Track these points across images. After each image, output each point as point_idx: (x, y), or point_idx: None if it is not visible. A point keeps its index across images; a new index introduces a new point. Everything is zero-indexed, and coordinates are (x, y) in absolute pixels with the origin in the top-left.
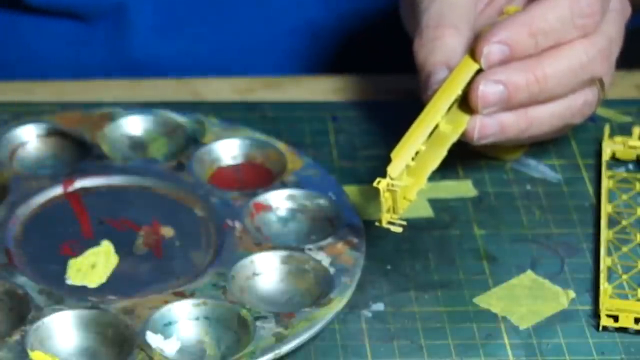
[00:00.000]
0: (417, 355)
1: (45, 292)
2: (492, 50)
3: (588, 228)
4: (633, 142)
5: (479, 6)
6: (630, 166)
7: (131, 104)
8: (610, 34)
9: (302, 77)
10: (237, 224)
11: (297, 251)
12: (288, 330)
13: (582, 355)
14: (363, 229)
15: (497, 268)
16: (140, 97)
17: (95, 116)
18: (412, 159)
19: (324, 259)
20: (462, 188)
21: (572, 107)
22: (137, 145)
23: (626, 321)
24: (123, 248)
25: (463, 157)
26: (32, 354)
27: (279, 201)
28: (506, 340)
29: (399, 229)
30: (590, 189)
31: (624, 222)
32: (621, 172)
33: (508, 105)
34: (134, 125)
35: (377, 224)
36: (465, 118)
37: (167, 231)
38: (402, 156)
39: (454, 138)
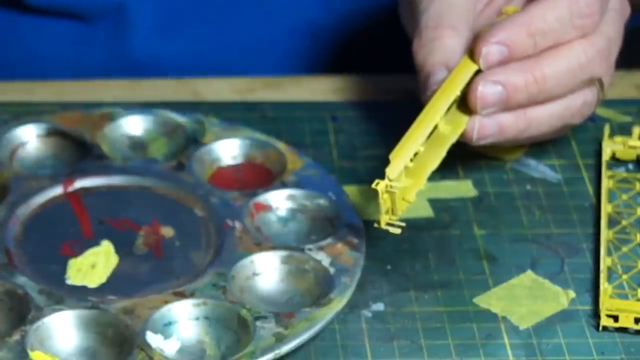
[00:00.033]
0: (417, 355)
1: (45, 292)
2: (490, 50)
3: (588, 228)
4: (633, 142)
5: (478, 7)
6: (630, 166)
7: (131, 104)
8: (610, 34)
9: (302, 77)
10: (237, 224)
11: (297, 251)
12: (288, 330)
13: (582, 355)
14: (363, 229)
15: (497, 268)
16: (140, 97)
17: (95, 116)
18: (411, 160)
19: (324, 259)
20: (462, 188)
21: (572, 107)
22: (137, 145)
23: (626, 321)
24: (123, 248)
25: (463, 157)
26: (32, 354)
27: (279, 201)
28: (506, 340)
29: (398, 230)
30: (590, 189)
31: (624, 222)
32: (621, 172)
33: (507, 105)
34: (134, 125)
35: (375, 225)
36: (465, 119)
37: (167, 231)
38: (400, 157)
39: (453, 139)
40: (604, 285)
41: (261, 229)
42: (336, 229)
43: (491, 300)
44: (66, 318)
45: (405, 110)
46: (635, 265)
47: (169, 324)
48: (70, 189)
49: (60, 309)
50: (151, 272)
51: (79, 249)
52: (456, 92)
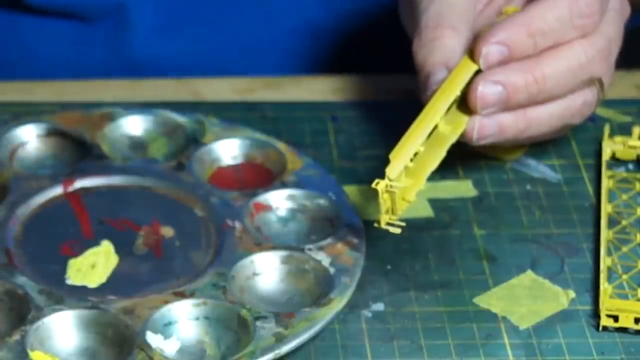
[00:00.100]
0: (417, 355)
1: (45, 292)
2: (490, 50)
3: (588, 228)
4: (633, 142)
5: (478, 7)
6: (630, 166)
7: (131, 104)
8: (610, 34)
9: (302, 77)
10: (237, 224)
11: (297, 251)
12: (288, 330)
13: (582, 355)
14: (363, 229)
15: (497, 268)
16: (140, 97)
17: (95, 116)
18: (411, 160)
19: (324, 259)
20: (462, 188)
21: (571, 107)
22: (137, 145)
23: (626, 321)
24: (123, 248)
25: (463, 157)
26: (32, 354)
27: (279, 201)
28: (506, 340)
29: (398, 230)
30: (590, 189)
31: (624, 222)
32: (621, 172)
33: (507, 105)
34: (134, 125)
35: (375, 225)
36: (464, 119)
37: (167, 231)
38: (400, 157)
39: (453, 139)
40: (604, 285)
41: (261, 229)
42: (336, 229)
43: (491, 300)
44: (66, 318)
45: (405, 110)
46: (635, 265)
47: (169, 324)
48: (70, 189)
49: (60, 309)
50: (151, 272)
51: (79, 249)
52: (456, 92)
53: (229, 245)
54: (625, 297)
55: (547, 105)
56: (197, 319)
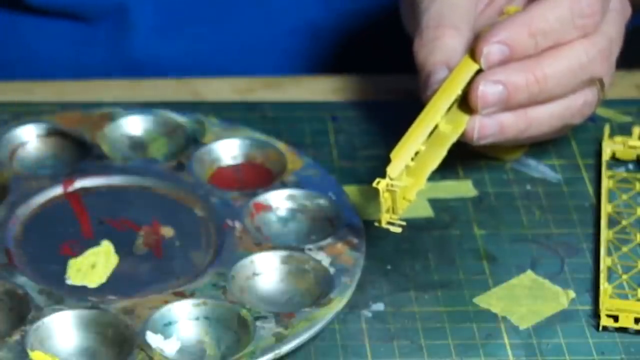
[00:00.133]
0: (417, 355)
1: (45, 292)
2: (491, 50)
3: (588, 228)
4: (633, 142)
5: (479, 6)
6: (630, 166)
7: (131, 104)
8: (610, 34)
9: (302, 77)
10: (237, 224)
11: (297, 251)
12: (288, 330)
13: (582, 355)
14: (363, 229)
15: (497, 268)
16: (140, 97)
17: (95, 116)
18: (412, 159)
19: (324, 259)
20: (462, 188)
21: (572, 107)
22: (137, 145)
23: (626, 321)
24: (123, 248)
25: (463, 157)
26: (32, 354)
27: (279, 201)
28: (506, 340)
29: (399, 229)
30: (590, 189)
31: (624, 222)
32: (621, 172)
33: (507, 105)
34: (134, 125)
35: (376, 224)
36: (465, 118)
37: (167, 231)
38: (401, 156)
39: (453, 138)
40: (604, 285)
41: (261, 229)
42: (336, 229)
43: (491, 300)
44: (66, 318)
45: (405, 110)
46: (635, 265)
47: (169, 324)
48: (70, 189)
49: (60, 309)
50: (151, 272)
51: (79, 249)
52: (457, 91)
53: (229, 245)
54: (625, 297)
55: (547, 105)
56: (197, 319)
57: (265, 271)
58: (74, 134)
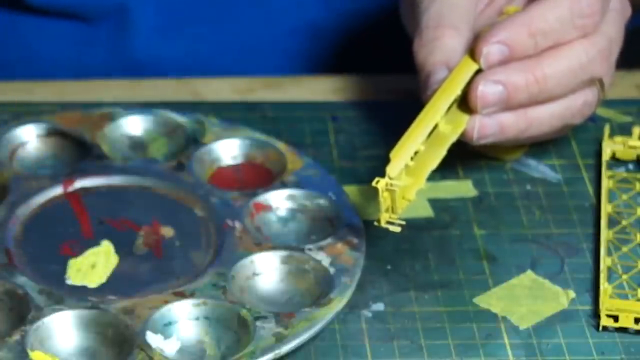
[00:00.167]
0: (417, 355)
1: (45, 292)
2: (491, 50)
3: (588, 228)
4: (633, 142)
5: (478, 6)
6: (630, 166)
7: (131, 104)
8: (610, 34)
9: (302, 77)
10: (237, 224)
11: (297, 251)
12: (288, 330)
13: (582, 355)
14: (363, 229)
15: (497, 268)
16: (140, 97)
17: (95, 116)
18: (411, 158)
19: (324, 259)
20: (462, 188)
21: (572, 107)
22: (137, 145)
23: (626, 321)
24: (123, 248)
25: (463, 157)
26: (32, 354)
27: (279, 201)
28: (506, 340)
29: (398, 229)
30: (590, 189)
31: (624, 222)
32: (621, 172)
33: (507, 105)
34: (134, 125)
35: (375, 223)
36: (465, 118)
37: (167, 231)
38: (401, 156)
39: (453, 138)
40: (604, 285)
41: (261, 229)
42: (336, 229)
43: (491, 300)
44: (66, 318)
45: (406, 110)
46: (635, 265)
47: (169, 324)
48: (70, 189)
49: (60, 309)
50: (151, 272)
51: (79, 249)
52: (457, 91)
53: (229, 245)
54: (625, 297)
55: (547, 105)
56: (197, 319)
57: (265, 271)
58: (74, 134)
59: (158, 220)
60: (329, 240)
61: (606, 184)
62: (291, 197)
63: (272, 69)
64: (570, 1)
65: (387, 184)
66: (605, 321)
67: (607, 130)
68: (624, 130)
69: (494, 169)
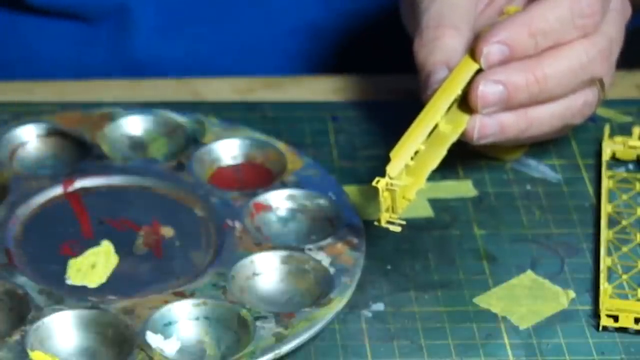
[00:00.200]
0: (417, 355)
1: (45, 292)
2: (491, 50)
3: (588, 228)
4: (633, 142)
5: (479, 6)
6: (630, 166)
7: (131, 104)
8: (611, 34)
9: (302, 77)
10: (237, 224)
11: (297, 251)
12: (288, 330)
13: (582, 355)
14: (363, 229)
15: (497, 268)
16: (140, 97)
17: (95, 116)
18: (412, 158)
19: (324, 259)
20: (462, 188)
21: (572, 107)
22: (137, 145)
23: (626, 321)
24: (123, 248)
25: (463, 157)
26: (32, 354)
27: (279, 201)
28: (506, 340)
29: (398, 229)
30: (590, 189)
31: (624, 222)
32: (621, 172)
33: (508, 105)
34: (134, 125)
35: (375, 223)
36: (465, 118)
37: (167, 231)
38: (401, 156)
39: (453, 138)
40: (604, 285)
41: (261, 229)
42: (336, 229)
43: (491, 300)
44: (66, 318)
45: (406, 110)
46: (635, 265)
47: (169, 324)
48: (70, 189)
49: (60, 309)
50: (151, 272)
51: (79, 249)
52: (457, 91)
53: (229, 245)
54: (625, 297)
55: (548, 105)
56: (197, 319)
57: (265, 271)
58: (74, 134)
59: (158, 220)
60: (329, 240)
61: (606, 184)
62: (291, 197)
63: (272, 69)
64: (571, 1)
65: (387, 184)
66: (605, 321)
67: (607, 130)
68: (624, 130)
69: (494, 169)
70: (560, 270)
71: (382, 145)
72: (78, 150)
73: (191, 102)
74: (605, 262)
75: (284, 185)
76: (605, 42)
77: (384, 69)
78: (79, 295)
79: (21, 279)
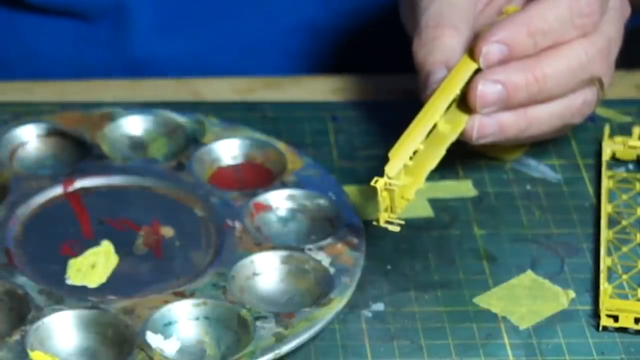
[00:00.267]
0: (417, 355)
1: (45, 292)
2: (490, 49)
3: (588, 228)
4: (633, 142)
5: (478, 6)
6: (630, 166)
7: (131, 104)
8: (610, 34)
9: (302, 77)
10: (237, 224)
11: (297, 251)
12: (288, 330)
13: (582, 355)
14: (363, 229)
15: (497, 268)
16: (140, 97)
17: (95, 116)
18: (410, 158)
19: (324, 259)
20: (462, 188)
21: (572, 106)
22: (137, 145)
23: (626, 321)
24: (123, 248)
25: (463, 157)
26: (32, 354)
27: (279, 201)
28: (506, 340)
29: (397, 229)
30: (590, 189)
31: (624, 222)
32: (621, 172)
33: (507, 105)
34: (134, 125)
35: (374, 223)
36: (464, 117)
37: (167, 231)
38: (399, 155)
39: (452, 137)
40: (604, 285)
41: (261, 229)
42: (336, 229)
43: (491, 300)
44: (66, 318)
45: (405, 110)
46: (635, 265)
47: (169, 324)
48: (70, 189)
49: (60, 309)
50: (151, 272)
51: (79, 249)
52: (456, 91)
53: (229, 245)
54: (625, 297)
55: (547, 104)
56: (197, 319)
57: (265, 271)
58: (74, 134)
59: (158, 220)
60: (329, 240)
61: (606, 184)
62: (291, 197)
63: (272, 68)
64: (570, 0)
65: (386, 184)
66: (605, 321)
67: (607, 130)
68: (624, 130)
69: (494, 169)
70: (560, 270)
71: (382, 145)
72: (78, 150)
73: (191, 102)
74: (605, 262)
75: (284, 185)
76: (605, 42)
77: (383, 69)
78: (79, 295)
79: (21, 279)
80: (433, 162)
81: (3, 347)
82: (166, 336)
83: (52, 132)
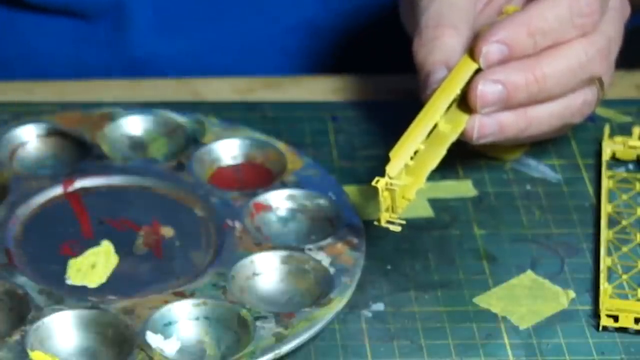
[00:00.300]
0: (417, 355)
1: (45, 292)
2: (490, 49)
3: (588, 228)
4: (633, 142)
5: (478, 6)
6: (630, 166)
7: (131, 104)
8: (610, 34)
9: (302, 77)
10: (237, 224)
11: (297, 251)
12: (288, 330)
13: (582, 355)
14: (363, 229)
15: (497, 268)
16: (140, 97)
17: (95, 116)
18: (411, 158)
19: (324, 259)
20: (462, 188)
21: (572, 106)
22: (137, 145)
23: (626, 321)
24: (123, 248)
25: (463, 157)
26: (32, 354)
27: (279, 201)
28: (506, 340)
29: (398, 228)
30: (590, 189)
31: (624, 222)
32: (621, 172)
33: (507, 104)
34: (134, 125)
35: (375, 223)
36: (464, 117)
37: (167, 231)
38: (400, 155)
39: (453, 137)
40: (604, 285)
41: (261, 229)
42: (336, 229)
43: (491, 300)
44: (66, 318)
45: (405, 110)
46: (635, 265)
47: (169, 324)
48: (70, 189)
49: (60, 309)
50: (151, 272)
51: (79, 249)
52: (456, 90)
53: (229, 245)
54: (625, 297)
55: (547, 104)
56: (197, 319)
57: (265, 271)
58: (74, 134)
59: (158, 220)
60: (329, 240)
61: (606, 184)
62: (291, 197)
63: (271, 68)
64: (570, 0)
65: (386, 184)
66: (605, 321)
67: (607, 130)
68: (624, 130)
69: (494, 169)
70: (560, 270)
71: (382, 145)
72: (78, 150)
73: (191, 102)
74: (605, 262)
75: (284, 185)
76: (604, 41)
77: (383, 69)
78: (79, 295)
79: (21, 279)
80: (434, 162)
81: (3, 347)
82: (166, 336)
83: (52, 132)
